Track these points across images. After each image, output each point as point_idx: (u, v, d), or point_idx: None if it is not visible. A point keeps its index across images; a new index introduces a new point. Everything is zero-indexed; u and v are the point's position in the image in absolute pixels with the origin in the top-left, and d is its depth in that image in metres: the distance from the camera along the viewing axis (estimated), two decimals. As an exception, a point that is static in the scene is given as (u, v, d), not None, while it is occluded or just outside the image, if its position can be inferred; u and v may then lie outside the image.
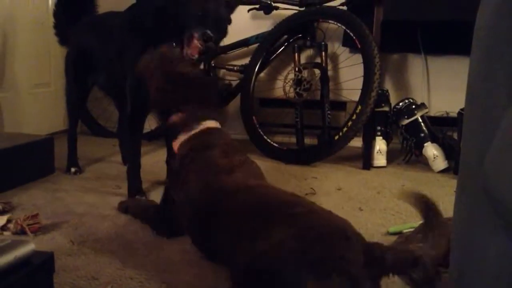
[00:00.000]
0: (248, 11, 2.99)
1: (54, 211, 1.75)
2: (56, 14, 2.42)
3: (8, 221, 1.54)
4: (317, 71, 2.85)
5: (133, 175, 1.97)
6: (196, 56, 1.80)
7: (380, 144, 2.61)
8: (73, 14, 2.38)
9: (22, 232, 1.51)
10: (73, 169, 2.30)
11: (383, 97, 2.69)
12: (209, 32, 1.79)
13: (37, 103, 2.98)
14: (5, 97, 2.72)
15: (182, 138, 1.43)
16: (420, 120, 2.61)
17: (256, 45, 2.93)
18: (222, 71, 3.24)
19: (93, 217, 1.71)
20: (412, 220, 1.71)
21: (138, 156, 2.00)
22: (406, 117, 2.63)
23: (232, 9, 2.00)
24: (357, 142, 2.74)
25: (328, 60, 2.87)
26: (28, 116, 2.90)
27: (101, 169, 2.40)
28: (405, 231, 1.56)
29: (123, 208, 1.77)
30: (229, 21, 1.96)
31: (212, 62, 3.13)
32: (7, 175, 0.60)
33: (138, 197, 1.91)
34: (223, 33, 1.92)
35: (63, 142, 2.35)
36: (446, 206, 1.90)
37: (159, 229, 1.55)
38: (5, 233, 1.52)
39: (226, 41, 3.15)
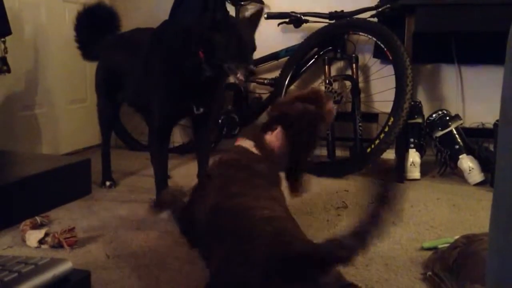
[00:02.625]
0: (278, 25, 3.01)
1: (89, 225, 1.80)
2: (77, 28, 2.45)
3: (46, 234, 1.58)
4: (348, 83, 2.84)
5: (160, 187, 2.01)
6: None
7: (413, 157, 2.56)
8: (96, 29, 2.42)
9: (59, 245, 1.55)
10: (107, 183, 2.35)
11: (416, 109, 2.65)
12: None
13: (73, 118, 3.07)
14: (43, 113, 2.81)
15: None
16: (455, 132, 2.56)
17: (286, 59, 2.94)
18: (253, 84, 3.26)
19: (127, 230, 1.74)
20: (447, 235, 1.68)
21: (164, 169, 2.03)
22: (440, 128, 2.58)
23: (256, 26, 2.00)
24: (390, 154, 2.71)
25: (359, 72, 2.86)
26: (64, 131, 2.99)
27: (135, 182, 2.44)
28: (440, 246, 1.53)
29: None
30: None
31: (243, 75, 3.15)
32: (45, 197, 0.63)
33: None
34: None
35: (98, 156, 2.40)
36: (483, 221, 1.87)
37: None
38: (43, 246, 1.57)
39: (257, 55, 3.20)
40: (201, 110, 1.97)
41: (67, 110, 3.02)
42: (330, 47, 2.84)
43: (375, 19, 2.77)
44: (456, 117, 2.61)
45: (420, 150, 2.62)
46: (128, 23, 2.60)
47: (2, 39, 2.34)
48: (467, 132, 2.64)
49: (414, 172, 2.55)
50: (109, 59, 2.29)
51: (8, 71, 2.43)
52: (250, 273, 0.92)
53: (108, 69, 2.29)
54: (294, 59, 2.87)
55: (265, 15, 2.96)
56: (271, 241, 0.97)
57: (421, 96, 3.01)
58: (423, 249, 1.58)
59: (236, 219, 1.10)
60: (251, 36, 1.87)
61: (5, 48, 2.38)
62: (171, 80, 1.92)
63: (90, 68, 2.73)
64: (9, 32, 1.87)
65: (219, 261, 1.02)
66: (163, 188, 1.99)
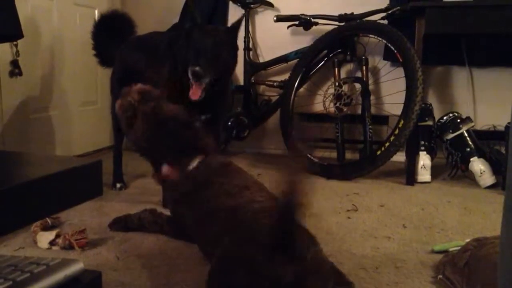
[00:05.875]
0: (288, 27, 3.02)
1: (100, 226, 1.81)
2: (95, 36, 2.48)
3: (57, 236, 1.59)
4: (358, 86, 2.83)
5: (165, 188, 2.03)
6: (198, 97, 1.86)
7: (424, 159, 2.55)
8: (113, 36, 2.45)
9: (70, 247, 1.56)
10: (118, 185, 2.36)
11: (427, 111, 2.64)
12: (196, 68, 1.84)
13: (85, 121, 3.09)
14: (55, 115, 2.83)
15: None
16: (466, 134, 2.54)
17: (295, 61, 2.94)
18: (262, 87, 3.26)
19: (137, 232, 1.75)
20: (458, 238, 1.67)
21: None
22: (451, 131, 2.57)
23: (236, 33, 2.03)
24: (400, 157, 2.70)
25: (369, 74, 2.85)
26: (76, 132, 3.02)
27: (145, 184, 2.45)
28: (451, 249, 1.52)
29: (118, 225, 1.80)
30: (233, 60, 2.01)
31: (252, 78, 3.17)
32: (57, 198, 0.63)
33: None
34: (219, 71, 1.94)
35: (109, 158, 2.42)
36: (495, 224, 1.85)
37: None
38: (54, 247, 1.58)
39: (266, 57, 3.21)
40: (207, 116, 2.00)
41: (79, 112, 3.05)
42: (340, 50, 2.83)
43: (385, 21, 2.76)
44: (467, 119, 2.59)
45: (431, 152, 2.60)
46: (139, 27, 2.62)
47: (14, 43, 2.37)
48: (478, 135, 2.62)
49: (425, 175, 2.53)
50: (125, 61, 2.31)
51: (20, 74, 2.46)
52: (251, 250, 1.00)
53: (123, 71, 2.31)
54: (303, 62, 2.87)
55: (275, 18, 2.97)
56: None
57: (432, 99, 3.00)
58: (434, 252, 1.57)
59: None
60: (210, 44, 1.90)
61: (17, 51, 2.41)
62: (171, 87, 1.96)
63: (101, 71, 2.76)
64: (21, 36, 1.89)
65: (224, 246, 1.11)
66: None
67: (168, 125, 1.39)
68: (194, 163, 1.40)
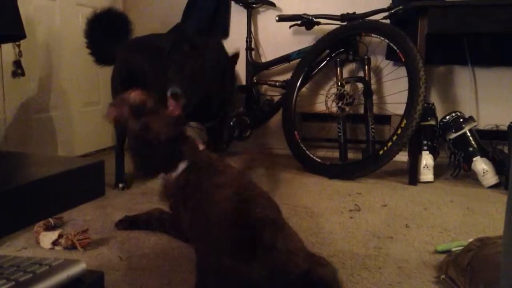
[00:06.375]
0: (290, 27, 3.02)
1: (102, 226, 1.81)
2: (88, 34, 2.47)
3: (60, 236, 1.59)
4: (360, 85, 2.83)
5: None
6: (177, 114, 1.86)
7: (426, 159, 2.54)
8: (107, 34, 2.43)
9: (73, 247, 1.56)
10: (120, 185, 2.37)
11: (429, 111, 2.63)
12: (177, 90, 1.84)
13: (87, 121, 3.10)
14: (57, 115, 2.84)
15: None
16: (469, 134, 2.54)
17: (298, 61, 2.94)
18: (264, 86, 3.26)
19: (139, 232, 1.75)
20: (461, 238, 1.66)
21: None
22: (453, 130, 2.56)
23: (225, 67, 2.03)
24: (402, 157, 2.69)
25: (372, 74, 2.85)
26: (78, 133, 3.02)
27: (147, 185, 2.46)
28: (453, 249, 1.51)
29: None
30: (213, 80, 1.99)
31: (255, 78, 3.16)
32: (59, 199, 0.63)
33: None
34: (200, 92, 1.93)
35: (111, 158, 2.42)
36: (497, 224, 1.84)
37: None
38: (56, 247, 1.58)
39: (268, 57, 3.21)
40: (212, 123, 2.02)
41: (81, 112, 3.05)
42: (342, 49, 2.83)
43: (388, 21, 2.76)
44: (470, 119, 2.59)
45: (434, 152, 2.60)
46: (140, 27, 2.63)
47: (17, 43, 2.38)
48: (481, 134, 2.61)
49: (427, 175, 2.53)
50: (126, 64, 2.31)
51: (23, 74, 2.46)
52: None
53: (126, 73, 2.31)
54: (305, 61, 2.87)
55: (277, 18, 2.97)
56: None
57: (434, 98, 2.99)
58: (437, 252, 1.57)
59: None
60: (197, 67, 1.91)
61: (20, 51, 2.41)
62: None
63: (103, 71, 2.75)
64: (23, 36, 1.89)
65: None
66: None
67: (153, 145, 1.38)
68: (179, 170, 1.40)
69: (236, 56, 2.04)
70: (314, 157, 2.71)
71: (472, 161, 2.50)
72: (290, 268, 1.02)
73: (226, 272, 1.01)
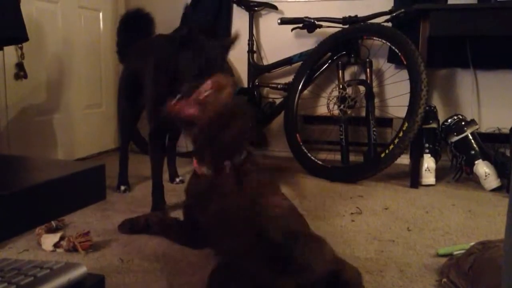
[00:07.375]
0: (292, 30, 3.02)
1: (104, 229, 1.81)
2: (119, 32, 2.47)
3: (61, 238, 1.60)
4: (362, 88, 2.83)
5: (154, 193, 2.05)
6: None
7: (428, 162, 2.54)
8: (133, 35, 2.45)
9: (74, 249, 1.56)
10: (122, 187, 2.36)
11: (431, 114, 2.63)
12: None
13: (89, 124, 3.10)
14: (59, 118, 2.84)
15: None
16: (470, 137, 2.53)
17: (299, 64, 2.94)
18: (266, 89, 3.26)
19: (141, 234, 1.75)
20: (462, 242, 1.66)
21: (159, 175, 2.06)
22: (455, 133, 2.56)
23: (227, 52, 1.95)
24: (404, 160, 2.69)
25: (373, 77, 2.85)
26: (80, 135, 3.02)
27: (149, 187, 2.45)
28: (455, 253, 1.51)
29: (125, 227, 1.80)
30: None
31: (256, 80, 3.17)
32: (60, 203, 0.63)
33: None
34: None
35: (113, 160, 2.42)
36: (499, 227, 1.84)
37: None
38: (58, 250, 1.58)
39: (270, 60, 3.21)
40: None
41: (83, 115, 3.06)
42: (344, 52, 2.83)
43: (389, 24, 2.76)
44: (472, 122, 2.58)
45: (435, 155, 2.59)
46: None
47: (19, 45, 2.38)
48: (483, 137, 2.61)
49: (429, 178, 2.53)
50: (132, 64, 2.32)
51: (25, 76, 2.47)
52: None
53: (131, 73, 2.31)
54: (307, 64, 2.87)
55: (279, 21, 2.97)
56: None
57: (436, 101, 2.99)
58: (438, 255, 1.57)
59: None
60: (216, 55, 1.82)
61: (22, 54, 2.42)
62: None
63: (105, 73, 2.77)
64: (26, 38, 1.90)
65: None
66: (157, 193, 2.06)
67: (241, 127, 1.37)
68: (242, 156, 1.39)
69: (235, 37, 2.01)
70: (316, 160, 2.71)
71: (474, 164, 2.49)
72: (315, 275, 1.03)
73: (253, 282, 1.01)
